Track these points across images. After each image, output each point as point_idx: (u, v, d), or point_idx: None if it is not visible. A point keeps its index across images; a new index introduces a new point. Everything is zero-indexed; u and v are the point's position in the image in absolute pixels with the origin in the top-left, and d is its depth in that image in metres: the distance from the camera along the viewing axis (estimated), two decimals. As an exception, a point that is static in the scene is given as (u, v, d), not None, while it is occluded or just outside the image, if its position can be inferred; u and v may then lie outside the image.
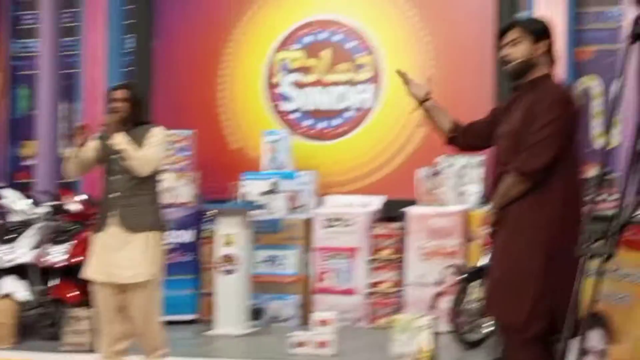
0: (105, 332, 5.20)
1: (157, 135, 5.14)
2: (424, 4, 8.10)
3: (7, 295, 6.65)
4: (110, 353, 5.23)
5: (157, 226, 5.13)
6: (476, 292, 5.99)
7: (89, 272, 5.18)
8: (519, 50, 3.60)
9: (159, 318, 5.17)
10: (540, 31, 3.62)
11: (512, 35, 3.62)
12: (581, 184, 3.55)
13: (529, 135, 3.50)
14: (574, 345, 3.31)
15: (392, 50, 8.18)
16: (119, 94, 5.14)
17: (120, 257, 5.01)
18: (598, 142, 7.51)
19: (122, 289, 5.10)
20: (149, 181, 5.14)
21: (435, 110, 3.93)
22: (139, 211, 5.08)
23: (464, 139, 3.90)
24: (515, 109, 3.60)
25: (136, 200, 5.09)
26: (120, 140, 5.01)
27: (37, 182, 8.63)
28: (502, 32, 3.67)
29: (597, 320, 3.59)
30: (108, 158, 5.16)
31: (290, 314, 7.37)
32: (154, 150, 5.08)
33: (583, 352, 3.46)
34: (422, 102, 3.94)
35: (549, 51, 3.62)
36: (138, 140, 5.07)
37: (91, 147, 5.24)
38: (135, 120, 5.13)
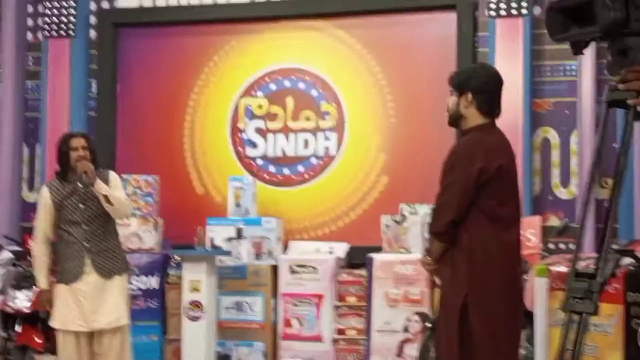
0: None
1: (116, 179, 5.33)
2: (385, 54, 8.28)
3: (-30, 343, 6.57)
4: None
5: (126, 268, 5.26)
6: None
7: (64, 323, 5.16)
8: (450, 102, 3.84)
9: None
10: (461, 84, 3.78)
11: (450, 88, 3.84)
12: (496, 236, 3.61)
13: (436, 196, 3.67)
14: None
15: (355, 99, 8.33)
16: (81, 142, 5.23)
17: (100, 303, 5.05)
18: (557, 192, 7.74)
19: (98, 335, 5.12)
20: (112, 225, 5.24)
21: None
22: (109, 256, 5.17)
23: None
24: None
25: (104, 245, 5.16)
26: (104, 186, 5.08)
27: (-2, 227, 8.54)
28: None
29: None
30: (70, 207, 5.19)
31: (257, 360, 7.39)
32: (122, 193, 5.22)
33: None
34: None
35: (480, 103, 3.73)
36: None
37: (46, 215, 5.25)
38: (94, 166, 5.22)
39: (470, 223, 3.63)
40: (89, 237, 5.15)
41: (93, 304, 5.08)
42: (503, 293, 3.59)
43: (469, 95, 3.76)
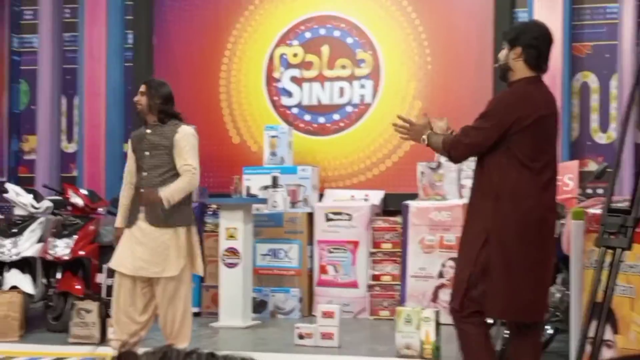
0: (123, 322, 5.23)
1: (187, 139, 5.17)
2: (424, 2, 8.19)
3: (13, 289, 6.70)
4: (124, 336, 5.28)
5: (184, 222, 5.17)
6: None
7: (116, 263, 5.23)
8: (500, 55, 3.97)
9: (186, 311, 5.21)
10: (512, 39, 3.91)
11: (503, 40, 4.00)
12: (526, 182, 3.81)
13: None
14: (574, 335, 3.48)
15: (391, 47, 8.26)
16: (141, 87, 5.25)
17: (149, 253, 5.08)
18: (595, 137, 7.63)
19: (149, 282, 5.16)
20: (174, 178, 5.17)
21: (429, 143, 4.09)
22: (165, 208, 5.11)
23: None
24: None
25: None
26: (165, 196, 5.04)
27: (38, 177, 8.67)
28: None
29: (606, 311, 3.73)
30: (139, 154, 5.22)
31: (293, 306, 7.45)
32: (190, 161, 5.11)
33: (594, 342, 3.60)
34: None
35: (529, 57, 3.87)
36: (165, 138, 5.14)
37: (129, 160, 5.32)
38: (161, 112, 5.20)
39: (503, 166, 3.82)
40: (148, 184, 5.15)
41: (143, 251, 5.12)
42: (525, 234, 3.79)
43: (519, 50, 3.89)
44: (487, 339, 3.99)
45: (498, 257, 3.80)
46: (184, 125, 5.26)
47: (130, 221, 5.20)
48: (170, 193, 5.04)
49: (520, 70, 3.90)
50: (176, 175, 5.15)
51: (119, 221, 5.35)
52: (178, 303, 5.16)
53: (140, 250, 5.11)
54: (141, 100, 5.23)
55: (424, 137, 4.03)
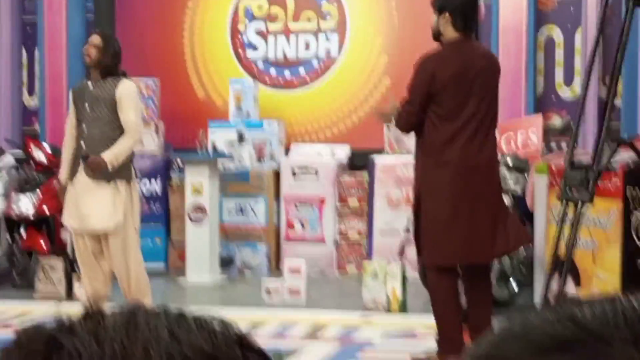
0: (87, 278, 5.27)
1: (128, 94, 5.14)
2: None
3: (-24, 246, 6.65)
4: (93, 297, 5.30)
5: (124, 176, 5.18)
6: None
7: (66, 219, 5.27)
8: (432, 21, 4.32)
9: (138, 265, 5.25)
10: (442, 6, 4.25)
11: (432, 7, 4.34)
12: (447, 138, 4.16)
13: None
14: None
15: (356, 0, 8.19)
16: (93, 39, 5.19)
17: (90, 206, 5.09)
18: (560, 91, 7.67)
19: (97, 237, 5.18)
20: (117, 131, 5.17)
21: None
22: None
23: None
24: None
25: (101, 149, 5.12)
26: (109, 163, 5.00)
27: (0, 131, 8.53)
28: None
29: (569, 264, 3.81)
30: (78, 105, 5.19)
31: (260, 262, 7.47)
32: (131, 116, 5.10)
33: (557, 295, 3.68)
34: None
35: (456, 21, 4.22)
36: (106, 93, 5.10)
37: (71, 112, 5.27)
38: (105, 69, 5.16)
39: (429, 125, 4.20)
40: (87, 138, 5.14)
41: (84, 204, 5.11)
42: (450, 186, 4.16)
43: (447, 15, 4.23)
44: (449, 289, 4.28)
45: (425, 210, 4.22)
46: (125, 79, 5.24)
47: (71, 174, 5.19)
48: (114, 156, 5.05)
49: (450, 34, 4.24)
50: (116, 129, 5.14)
51: (63, 176, 5.30)
52: (128, 259, 5.18)
53: (82, 202, 5.13)
54: (91, 52, 5.15)
55: (391, 121, 4.61)
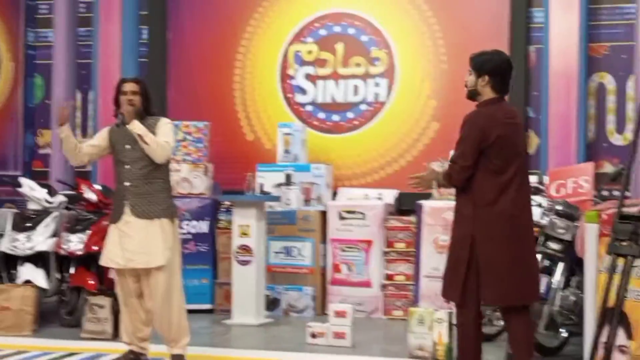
0: (127, 318, 5.32)
1: (166, 125, 5.30)
2: (439, 0, 8.16)
3: (26, 283, 6.72)
4: (133, 339, 5.34)
5: (169, 213, 5.25)
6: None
7: (106, 259, 5.31)
8: (469, 80, 4.55)
9: (180, 306, 5.27)
10: (482, 69, 4.49)
11: (470, 65, 4.56)
12: (497, 189, 4.41)
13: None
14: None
15: (406, 45, 8.24)
16: (131, 87, 5.26)
17: (135, 243, 5.15)
18: (612, 138, 7.59)
19: (141, 274, 5.22)
20: (160, 170, 5.28)
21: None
22: (150, 199, 5.21)
23: None
24: None
25: (147, 188, 5.22)
26: (138, 126, 5.13)
27: (53, 171, 8.69)
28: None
29: (620, 316, 3.73)
30: (119, 147, 5.27)
31: (306, 304, 7.44)
32: (167, 138, 5.23)
33: (607, 347, 3.60)
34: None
35: (495, 84, 4.48)
36: (149, 130, 5.21)
37: (98, 140, 5.37)
38: (145, 111, 5.27)
39: (478, 177, 4.43)
40: (131, 177, 5.23)
41: (128, 243, 5.18)
42: (502, 232, 4.42)
43: (486, 77, 4.48)
44: (478, 328, 4.57)
45: (484, 254, 4.40)
46: (163, 118, 5.40)
47: (116, 217, 5.27)
48: (147, 132, 5.14)
49: (487, 94, 4.50)
50: (158, 168, 5.23)
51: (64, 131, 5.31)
52: (172, 298, 5.20)
53: (128, 242, 5.19)
54: (134, 100, 5.26)
55: (434, 183, 4.70)
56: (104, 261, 5.38)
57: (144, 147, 5.16)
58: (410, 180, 4.76)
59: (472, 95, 4.55)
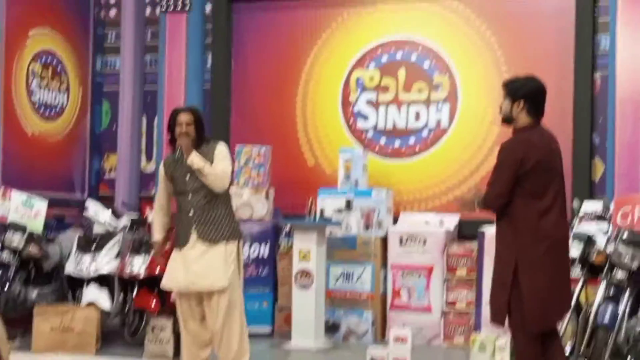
0: (188, 340, 5.36)
1: (221, 151, 5.35)
2: (501, 25, 8.13)
3: (90, 304, 6.83)
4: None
5: (234, 236, 5.30)
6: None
7: (168, 282, 5.37)
8: (503, 105, 4.55)
9: (242, 328, 5.29)
10: (517, 94, 4.49)
11: (503, 91, 4.56)
12: (537, 215, 4.40)
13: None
14: None
15: (468, 71, 8.21)
16: (186, 117, 5.33)
17: (199, 266, 5.21)
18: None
19: (203, 297, 5.26)
20: (221, 195, 5.34)
21: None
22: (215, 226, 5.28)
23: None
24: None
25: (212, 215, 5.29)
26: (196, 160, 5.21)
27: (118, 195, 8.85)
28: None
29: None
30: (179, 179, 5.35)
31: (365, 329, 7.40)
32: (224, 164, 5.28)
33: None
34: None
35: (530, 109, 4.48)
36: (206, 157, 5.30)
37: (164, 185, 5.51)
38: (200, 139, 5.34)
39: (518, 202, 4.41)
40: (194, 207, 5.32)
41: (195, 267, 5.25)
42: (549, 257, 4.39)
43: (521, 102, 4.48)
44: (539, 354, 4.45)
45: (525, 280, 4.36)
46: (218, 142, 5.47)
47: (181, 243, 5.35)
48: (200, 161, 5.21)
49: (522, 120, 4.49)
50: (219, 195, 5.32)
51: (156, 236, 5.55)
52: (234, 320, 5.23)
53: (191, 265, 5.26)
54: (190, 130, 5.32)
55: (475, 206, 4.77)
56: (166, 284, 5.44)
57: (202, 179, 5.24)
58: (458, 203, 4.86)
59: (507, 121, 4.55)
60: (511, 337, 4.60)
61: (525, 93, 4.50)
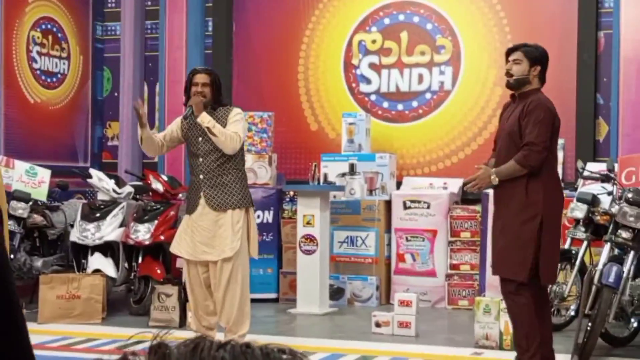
0: (195, 306, 5.37)
1: (237, 115, 5.30)
2: (504, -15, 8.04)
3: (95, 272, 6.85)
4: (200, 327, 5.40)
5: (244, 203, 5.26)
6: (560, 274, 5.96)
7: (178, 249, 5.36)
8: (519, 69, 4.70)
9: (242, 295, 5.28)
10: (536, 58, 4.72)
11: (515, 55, 4.73)
12: (556, 173, 4.74)
13: (525, 135, 4.58)
14: None
15: (471, 33, 8.14)
16: (202, 78, 5.28)
17: (207, 236, 5.18)
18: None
19: (210, 265, 5.27)
20: (233, 161, 5.29)
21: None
22: (224, 191, 5.24)
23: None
24: (510, 114, 4.73)
25: (221, 180, 5.24)
26: (207, 119, 5.16)
27: (121, 162, 8.84)
28: (509, 52, 4.79)
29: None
30: (192, 140, 5.31)
31: (370, 294, 7.43)
32: (237, 127, 5.23)
33: None
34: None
35: (541, 74, 4.73)
36: (220, 121, 5.23)
37: (171, 129, 5.42)
38: (216, 102, 5.29)
39: (548, 160, 4.60)
40: (205, 170, 5.26)
41: (203, 235, 5.23)
42: (560, 214, 4.77)
43: (538, 67, 4.72)
44: (539, 307, 4.64)
45: (547, 236, 4.56)
46: (235, 107, 5.42)
47: (191, 208, 5.32)
48: (215, 124, 5.15)
49: (535, 83, 4.73)
50: (231, 159, 5.23)
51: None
52: (235, 287, 5.22)
53: (199, 234, 5.23)
54: (206, 91, 5.28)
55: (493, 177, 4.67)
56: (174, 249, 5.43)
57: (212, 138, 5.18)
58: (467, 186, 4.90)
59: (520, 83, 4.70)
60: (508, 293, 4.63)
61: (541, 59, 4.74)
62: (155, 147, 5.42)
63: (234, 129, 5.24)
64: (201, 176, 5.27)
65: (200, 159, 5.28)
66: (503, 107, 4.98)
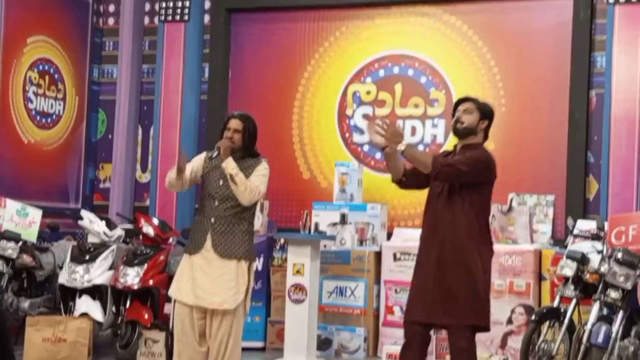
0: (183, 353, 5.28)
1: (263, 169, 5.24)
2: (497, 42, 8.14)
3: (83, 315, 6.81)
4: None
5: (249, 255, 5.21)
6: (548, 332, 5.97)
7: (176, 291, 5.26)
8: (469, 118, 4.84)
9: (238, 349, 5.24)
10: (487, 113, 4.89)
11: (467, 105, 4.87)
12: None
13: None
14: None
15: (464, 87, 8.21)
16: (235, 124, 5.26)
17: (210, 282, 5.09)
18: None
19: (208, 313, 5.18)
20: (248, 211, 5.22)
21: (393, 156, 4.95)
22: (234, 240, 5.15)
23: (407, 180, 5.10)
24: None
25: (233, 228, 5.16)
26: (231, 165, 5.09)
27: (112, 205, 8.83)
28: (460, 102, 4.93)
29: None
30: (211, 181, 5.24)
31: (358, 345, 7.39)
32: (260, 180, 5.18)
33: None
34: (384, 148, 4.91)
35: (486, 130, 4.91)
36: (245, 171, 5.16)
37: (194, 164, 5.34)
38: (245, 151, 5.24)
39: (485, 208, 4.90)
40: (218, 214, 5.17)
41: (204, 280, 5.13)
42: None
43: (486, 122, 4.90)
44: None
45: (487, 277, 4.85)
46: (264, 160, 5.31)
47: (194, 249, 5.21)
48: (239, 172, 5.07)
49: (480, 137, 4.89)
50: (245, 210, 5.19)
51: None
52: (229, 340, 5.16)
53: (201, 278, 5.12)
54: (235, 137, 5.22)
55: (403, 143, 4.76)
56: (173, 292, 5.30)
57: (232, 186, 5.09)
58: (373, 124, 4.90)
59: (468, 132, 4.84)
60: (458, 340, 4.83)
61: (490, 115, 4.92)
62: (179, 186, 5.36)
63: (256, 182, 5.16)
64: (212, 219, 5.17)
65: (216, 202, 5.19)
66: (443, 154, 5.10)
